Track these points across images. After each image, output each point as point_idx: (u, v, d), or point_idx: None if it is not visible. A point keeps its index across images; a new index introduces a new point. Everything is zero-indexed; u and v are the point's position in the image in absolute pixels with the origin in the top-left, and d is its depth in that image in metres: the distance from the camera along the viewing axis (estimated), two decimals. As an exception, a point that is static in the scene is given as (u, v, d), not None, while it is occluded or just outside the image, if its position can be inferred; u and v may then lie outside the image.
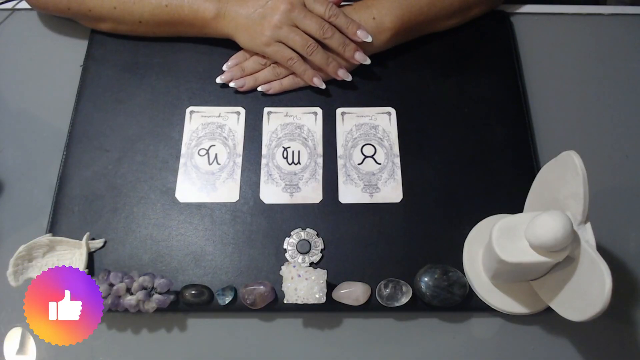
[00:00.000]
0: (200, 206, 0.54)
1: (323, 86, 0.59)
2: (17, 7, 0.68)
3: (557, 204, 0.44)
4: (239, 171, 0.56)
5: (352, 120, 0.59)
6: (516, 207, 0.51)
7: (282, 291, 0.48)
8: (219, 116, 0.59)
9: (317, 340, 0.50)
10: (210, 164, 0.57)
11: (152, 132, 0.58)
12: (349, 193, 0.55)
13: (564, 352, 0.49)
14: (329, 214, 0.54)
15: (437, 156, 0.57)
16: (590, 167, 0.41)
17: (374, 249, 0.52)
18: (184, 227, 0.53)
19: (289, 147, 0.58)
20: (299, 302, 0.47)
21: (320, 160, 0.57)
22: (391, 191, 0.55)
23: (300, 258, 0.52)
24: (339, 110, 0.60)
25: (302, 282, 0.47)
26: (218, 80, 0.60)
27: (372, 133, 0.58)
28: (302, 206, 0.54)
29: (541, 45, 0.65)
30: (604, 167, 0.57)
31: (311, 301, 0.47)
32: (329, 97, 0.60)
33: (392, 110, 0.60)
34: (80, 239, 0.51)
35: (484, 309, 0.50)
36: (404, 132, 0.58)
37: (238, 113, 0.59)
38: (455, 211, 0.54)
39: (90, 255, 0.52)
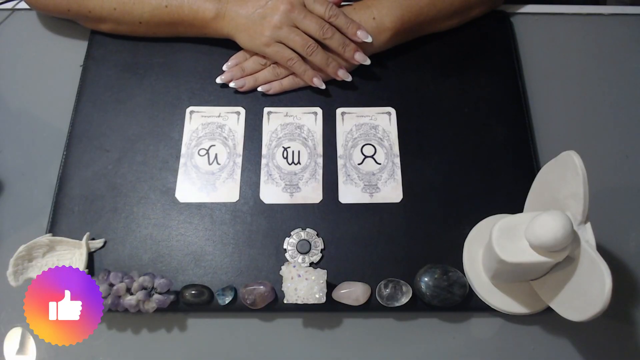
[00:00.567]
0: (200, 206, 0.54)
1: (323, 86, 0.59)
2: (17, 7, 0.68)
3: (557, 204, 0.44)
4: (239, 171, 0.56)
5: (352, 120, 0.59)
6: (516, 207, 0.51)
7: (282, 291, 0.48)
8: (219, 116, 0.59)
9: (317, 340, 0.50)
10: (210, 164, 0.57)
11: (152, 132, 0.58)
12: (349, 193, 0.55)
13: (564, 352, 0.49)
14: (329, 214, 0.54)
15: (437, 156, 0.57)
16: (590, 167, 0.41)
17: (374, 249, 0.52)
18: (184, 227, 0.53)
19: (289, 147, 0.58)
20: (299, 302, 0.47)
21: (320, 160, 0.57)
22: (391, 191, 0.55)
23: (300, 258, 0.52)
24: (339, 110, 0.60)
25: (302, 282, 0.47)
26: (218, 80, 0.60)
27: (372, 133, 0.58)
28: (302, 206, 0.54)
29: (541, 45, 0.65)
30: (604, 167, 0.57)
31: (311, 301, 0.47)
32: (329, 97, 0.60)
33: (392, 110, 0.60)
34: (80, 239, 0.51)
35: (484, 309, 0.50)
36: (404, 132, 0.58)
37: (238, 113, 0.59)
38: (455, 211, 0.54)
39: (90, 255, 0.52)
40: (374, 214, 0.54)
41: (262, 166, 0.57)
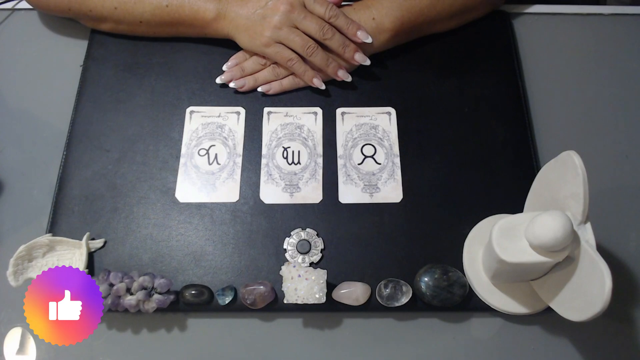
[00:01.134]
0: (200, 206, 0.54)
1: (323, 87, 0.59)
2: (17, 7, 0.68)
3: (557, 204, 0.44)
4: (239, 171, 0.56)
5: (352, 120, 0.59)
6: (516, 207, 0.51)
7: (282, 291, 0.48)
8: (219, 116, 0.59)
9: (317, 340, 0.50)
10: (210, 164, 0.57)
11: (152, 132, 0.58)
12: (349, 193, 0.55)
13: (564, 352, 0.49)
14: (329, 214, 0.54)
15: (437, 156, 0.57)
16: (590, 167, 0.41)
17: (374, 249, 0.52)
18: (184, 227, 0.53)
19: (289, 147, 0.58)
20: (299, 302, 0.47)
21: (320, 160, 0.57)
22: (391, 191, 0.55)
23: (300, 258, 0.52)
24: (339, 110, 0.60)
25: (302, 282, 0.47)
26: (218, 80, 0.60)
27: (372, 133, 0.58)
28: (302, 206, 0.54)
29: (541, 45, 0.65)
30: (604, 167, 0.57)
31: (311, 301, 0.47)
32: (329, 97, 0.60)
33: (392, 110, 0.60)
34: (80, 239, 0.51)
35: (484, 309, 0.50)
36: (404, 132, 0.58)
37: (238, 113, 0.59)
38: (455, 211, 0.54)
39: (90, 255, 0.52)
40: (374, 214, 0.54)
41: (262, 166, 0.57)
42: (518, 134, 0.58)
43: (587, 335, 0.50)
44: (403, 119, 0.59)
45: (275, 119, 0.59)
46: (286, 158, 0.57)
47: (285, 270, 0.48)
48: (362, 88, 0.61)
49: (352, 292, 0.49)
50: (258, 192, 0.55)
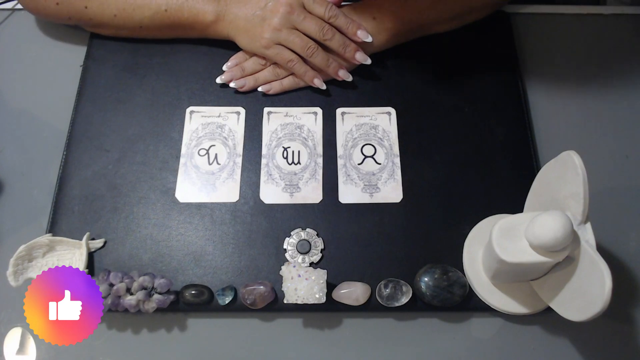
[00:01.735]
0: (200, 206, 0.54)
1: (324, 87, 0.59)
2: (17, 7, 0.68)
3: (557, 204, 0.44)
4: (239, 171, 0.56)
5: (352, 120, 0.59)
6: (516, 207, 0.51)
7: (282, 291, 0.48)
8: (219, 116, 0.59)
9: (317, 340, 0.50)
10: (210, 164, 0.57)
11: (152, 132, 0.58)
12: (349, 193, 0.55)
13: (564, 352, 0.49)
14: (329, 214, 0.54)
15: (437, 156, 0.57)
16: (590, 167, 0.41)
17: (374, 249, 0.52)
18: (184, 227, 0.53)
19: (289, 147, 0.58)
20: (299, 302, 0.47)
21: (320, 160, 0.57)
22: (391, 191, 0.55)
23: (300, 258, 0.52)
24: (339, 110, 0.60)
25: (302, 282, 0.47)
26: (218, 80, 0.60)
27: (372, 133, 0.58)
28: (302, 206, 0.54)
29: (541, 45, 0.65)
30: (604, 167, 0.57)
31: (311, 301, 0.47)
32: (329, 97, 0.60)
33: (392, 110, 0.60)
34: (80, 239, 0.51)
35: (484, 309, 0.50)
36: (404, 132, 0.58)
37: (238, 113, 0.59)
38: (455, 211, 0.54)
39: (90, 255, 0.52)
40: (374, 214, 0.54)
41: (262, 166, 0.57)
42: (518, 134, 0.58)
43: (587, 335, 0.50)
44: (403, 119, 0.59)
45: (275, 119, 0.59)
46: (286, 158, 0.57)
47: (285, 270, 0.48)
48: (362, 88, 0.61)
49: (352, 292, 0.49)
50: (258, 192, 0.55)
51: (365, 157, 0.57)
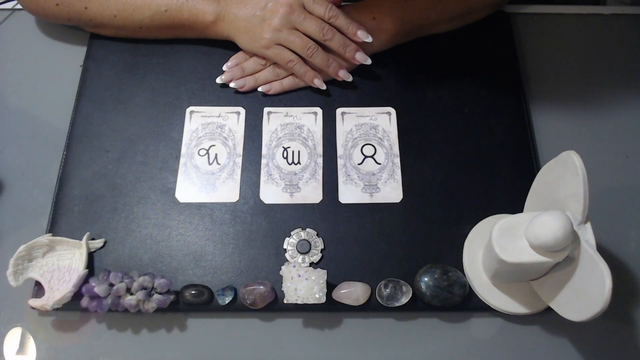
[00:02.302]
0: (200, 206, 0.54)
1: (324, 87, 0.59)
2: (17, 7, 0.68)
3: (557, 204, 0.44)
4: (239, 171, 0.56)
5: (352, 120, 0.59)
6: (516, 207, 0.51)
7: (282, 291, 0.48)
8: (219, 116, 0.59)
9: (317, 340, 0.50)
10: (210, 164, 0.57)
11: (152, 132, 0.58)
12: (349, 193, 0.55)
13: (564, 352, 0.49)
14: (329, 214, 0.54)
15: (437, 156, 0.57)
16: (590, 167, 0.41)
17: (374, 249, 0.52)
18: (184, 227, 0.53)
19: (289, 147, 0.58)
20: (299, 302, 0.47)
21: (320, 160, 0.57)
22: (391, 191, 0.55)
23: (300, 258, 0.52)
24: (339, 110, 0.60)
25: (302, 282, 0.47)
26: (218, 80, 0.60)
27: (372, 133, 0.58)
28: (302, 206, 0.54)
29: (541, 45, 0.65)
30: (604, 167, 0.57)
31: (311, 301, 0.47)
32: (329, 97, 0.60)
33: (392, 110, 0.60)
34: (80, 239, 0.51)
35: (484, 309, 0.50)
36: (404, 132, 0.58)
37: (238, 113, 0.59)
38: (455, 211, 0.54)
39: (90, 255, 0.52)
40: (374, 214, 0.54)
41: (262, 166, 0.57)
42: (518, 134, 0.58)
43: (587, 335, 0.50)
44: (403, 119, 0.59)
45: (275, 119, 0.59)
46: (286, 158, 0.57)
47: (285, 270, 0.48)
48: (362, 88, 0.61)
49: (352, 292, 0.49)
50: (258, 192, 0.55)
51: (365, 157, 0.57)
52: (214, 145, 0.58)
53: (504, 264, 0.43)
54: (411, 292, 0.49)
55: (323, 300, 0.47)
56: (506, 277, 0.48)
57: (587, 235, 0.42)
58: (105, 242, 0.53)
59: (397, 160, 0.57)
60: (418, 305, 0.50)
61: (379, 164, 0.57)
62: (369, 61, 0.58)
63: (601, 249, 0.42)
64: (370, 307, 0.50)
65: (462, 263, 0.51)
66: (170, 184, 0.55)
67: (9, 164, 0.58)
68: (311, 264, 0.51)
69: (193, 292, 0.49)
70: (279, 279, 0.48)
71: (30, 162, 0.58)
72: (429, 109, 0.60)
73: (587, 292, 0.40)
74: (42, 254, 0.51)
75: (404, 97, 0.60)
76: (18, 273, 0.49)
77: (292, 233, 0.53)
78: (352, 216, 0.54)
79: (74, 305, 0.49)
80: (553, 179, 0.45)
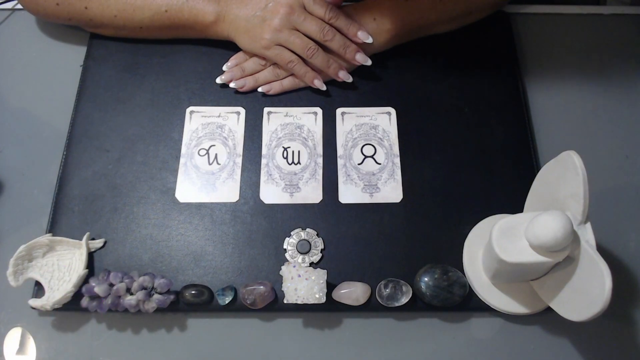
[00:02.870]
0: (200, 206, 0.54)
1: (324, 88, 0.59)
2: (17, 7, 0.68)
3: (557, 204, 0.44)
4: (239, 171, 0.56)
5: (352, 120, 0.59)
6: (516, 207, 0.51)
7: (282, 291, 0.48)
8: (219, 116, 0.59)
9: (317, 340, 0.50)
10: (210, 164, 0.57)
11: (152, 132, 0.58)
12: (349, 193, 0.55)
13: (564, 352, 0.49)
14: (329, 214, 0.54)
15: (437, 156, 0.57)
16: (590, 167, 0.41)
17: (374, 249, 0.52)
18: (184, 227, 0.53)
19: (289, 147, 0.58)
20: (299, 302, 0.47)
21: (320, 160, 0.57)
22: (391, 191, 0.55)
23: (300, 258, 0.52)
24: (339, 110, 0.60)
25: (302, 282, 0.47)
26: (218, 80, 0.60)
27: (372, 133, 0.58)
28: (302, 206, 0.54)
29: (541, 45, 0.65)
30: (604, 167, 0.57)
31: (311, 301, 0.47)
32: (329, 97, 0.60)
33: (392, 110, 0.60)
34: (80, 239, 0.51)
35: (484, 309, 0.50)
36: (404, 132, 0.58)
37: (238, 113, 0.59)
38: (455, 211, 0.54)
39: (90, 255, 0.52)
40: (374, 214, 0.54)
41: (262, 166, 0.57)
42: (518, 134, 0.58)
43: (587, 335, 0.50)
44: (403, 119, 0.59)
45: (275, 119, 0.59)
46: (286, 158, 0.57)
47: (285, 270, 0.48)
48: (362, 88, 0.61)
49: (352, 292, 0.49)
50: (258, 192, 0.55)
51: (365, 157, 0.57)
52: (214, 145, 0.58)
53: (504, 264, 0.43)
54: (411, 292, 0.49)
55: (323, 300, 0.47)
56: (506, 277, 0.48)
57: (587, 235, 0.42)
58: (105, 242, 0.53)
59: (397, 160, 0.57)
60: (418, 305, 0.50)
61: (379, 164, 0.57)
62: (369, 62, 0.58)
63: (601, 249, 0.42)
64: (370, 307, 0.50)
65: (462, 263, 0.51)
66: (170, 184, 0.55)
67: (9, 164, 0.58)
68: (311, 264, 0.51)
69: (193, 292, 0.49)
70: (279, 279, 0.48)
71: (30, 162, 0.58)
72: (429, 109, 0.60)
73: (587, 292, 0.40)
74: (42, 254, 0.51)
75: (404, 97, 0.60)
76: (18, 273, 0.49)
77: (292, 233, 0.53)
78: (352, 216, 0.54)
79: (74, 305, 0.49)
80: (553, 179, 0.45)
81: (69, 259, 0.51)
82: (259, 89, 0.60)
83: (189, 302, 0.49)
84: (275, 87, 0.60)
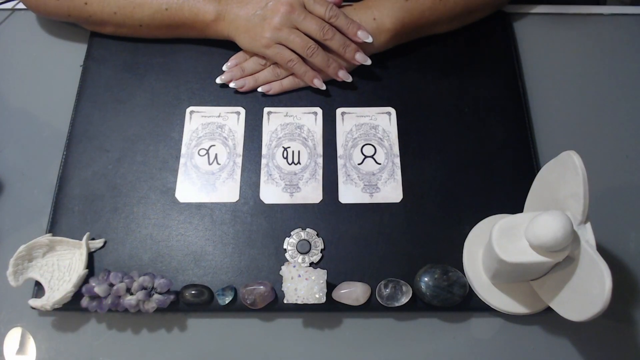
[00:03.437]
0: (200, 206, 0.54)
1: (324, 87, 0.59)
2: (17, 7, 0.68)
3: (557, 204, 0.44)
4: (239, 171, 0.56)
5: (352, 120, 0.59)
6: (516, 207, 0.51)
7: (282, 291, 0.48)
8: (219, 116, 0.59)
9: (317, 340, 0.50)
10: (210, 164, 0.57)
11: (152, 132, 0.58)
12: (349, 193, 0.55)
13: (564, 352, 0.49)
14: (329, 214, 0.54)
15: (437, 156, 0.57)
16: (590, 167, 0.41)
17: (374, 249, 0.52)
18: (184, 227, 0.53)
19: (289, 147, 0.58)
20: (299, 302, 0.47)
21: (320, 160, 0.57)
22: (391, 191, 0.55)
23: (300, 258, 0.52)
24: (339, 110, 0.60)
25: (302, 282, 0.47)
26: (218, 80, 0.60)
27: (372, 133, 0.58)
28: (302, 206, 0.54)
29: (541, 45, 0.65)
30: (604, 167, 0.57)
31: (311, 301, 0.47)
32: (329, 97, 0.60)
33: (392, 110, 0.60)
34: (80, 239, 0.51)
35: (484, 309, 0.50)
36: (404, 132, 0.58)
37: (238, 113, 0.59)
38: (455, 211, 0.54)
39: (90, 255, 0.52)
40: (374, 214, 0.54)
41: (262, 166, 0.57)
42: (518, 134, 0.58)
43: (587, 335, 0.50)
44: (403, 119, 0.59)
45: (275, 119, 0.59)
46: (286, 158, 0.57)
47: (285, 270, 0.48)
48: (362, 88, 0.61)
49: (352, 292, 0.49)
50: (258, 192, 0.55)
51: (365, 157, 0.57)
52: (214, 145, 0.58)
53: (504, 264, 0.43)
54: (411, 292, 0.49)
55: (323, 300, 0.47)
56: (506, 277, 0.48)
57: (587, 235, 0.42)
58: (105, 242, 0.53)
59: (397, 160, 0.57)
60: (418, 305, 0.50)
61: (379, 164, 0.57)
62: (368, 62, 0.58)
63: (601, 249, 0.42)
64: (370, 307, 0.50)
65: (462, 263, 0.51)
66: (170, 184, 0.55)
67: (9, 164, 0.58)
68: (311, 264, 0.51)
69: (193, 292, 0.49)
70: (279, 279, 0.48)
71: (30, 162, 0.58)
72: (429, 109, 0.60)
73: (587, 292, 0.40)
74: (42, 254, 0.51)
75: (404, 97, 0.60)
76: (18, 273, 0.49)
77: (292, 233, 0.53)
78: (352, 216, 0.54)
79: (74, 305, 0.49)
80: (553, 179, 0.45)
81: (69, 259, 0.51)
82: (259, 89, 0.60)
83: (189, 302, 0.49)
84: (275, 87, 0.60)
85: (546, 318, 0.50)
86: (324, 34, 0.56)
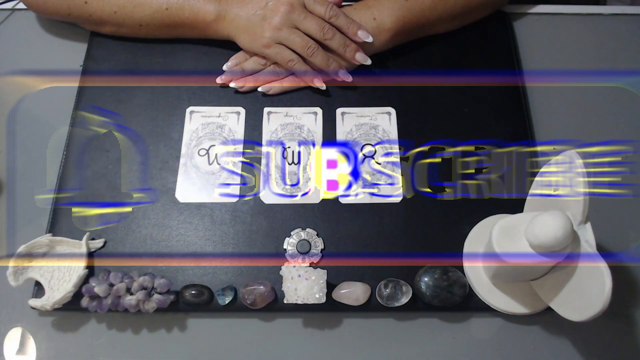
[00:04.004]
0: (200, 206, 0.54)
1: (324, 87, 0.59)
2: (17, 7, 0.68)
3: (557, 204, 0.44)
4: (239, 171, 0.56)
5: (352, 120, 0.59)
6: (516, 207, 0.51)
7: (282, 291, 0.48)
8: (219, 116, 0.59)
9: (317, 340, 0.50)
10: (210, 164, 0.57)
11: (152, 132, 0.58)
12: (349, 193, 0.55)
13: (564, 352, 0.49)
14: (329, 214, 0.54)
15: (437, 156, 0.57)
16: (590, 167, 0.41)
17: (374, 249, 0.52)
18: (184, 227, 0.53)
19: (289, 147, 0.58)
20: (299, 302, 0.47)
21: (320, 160, 0.57)
22: (391, 191, 0.55)
23: (300, 258, 0.52)
24: (339, 110, 0.60)
25: (302, 282, 0.47)
26: (218, 80, 0.60)
27: (372, 133, 0.58)
28: (302, 206, 0.54)
29: (541, 45, 0.65)
30: (603, 167, 0.57)
31: (311, 301, 0.47)
32: (329, 97, 0.60)
33: (392, 110, 0.60)
34: (80, 239, 0.51)
35: (484, 309, 0.50)
36: (404, 132, 0.58)
37: (238, 113, 0.59)
38: (455, 211, 0.54)
39: (90, 255, 0.52)
40: (374, 214, 0.54)
41: (262, 166, 0.56)
42: (518, 134, 0.58)
43: (587, 335, 0.50)
44: (403, 119, 0.59)
45: (275, 119, 0.59)
46: (286, 158, 0.57)
47: (285, 270, 0.48)
48: (362, 88, 0.61)
49: (352, 292, 0.49)
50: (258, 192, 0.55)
51: (365, 157, 0.57)
52: (214, 145, 0.58)
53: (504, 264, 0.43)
54: (411, 292, 0.49)
55: (323, 300, 0.47)
56: (506, 277, 0.48)
57: (587, 235, 0.42)
58: (105, 242, 0.53)
59: (397, 161, 0.57)
60: (418, 305, 0.50)
61: (379, 164, 0.57)
62: (369, 61, 0.58)
63: (601, 249, 0.42)
64: (370, 307, 0.50)
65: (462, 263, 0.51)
66: (170, 184, 0.55)
67: (9, 164, 0.57)
68: (311, 264, 0.51)
69: (193, 292, 0.49)
70: (279, 279, 0.48)
71: (30, 162, 0.58)
72: (429, 109, 0.60)
73: (587, 292, 0.40)
74: (42, 254, 0.51)
75: (404, 97, 0.60)
76: (18, 273, 0.49)
77: (292, 233, 0.53)
78: (352, 216, 0.54)
79: (74, 305, 0.49)
80: (553, 179, 0.45)
81: (69, 259, 0.51)
82: (259, 89, 0.60)
83: (189, 302, 0.49)
84: (275, 87, 0.60)
85: (546, 318, 0.50)
86: (324, 34, 0.56)
